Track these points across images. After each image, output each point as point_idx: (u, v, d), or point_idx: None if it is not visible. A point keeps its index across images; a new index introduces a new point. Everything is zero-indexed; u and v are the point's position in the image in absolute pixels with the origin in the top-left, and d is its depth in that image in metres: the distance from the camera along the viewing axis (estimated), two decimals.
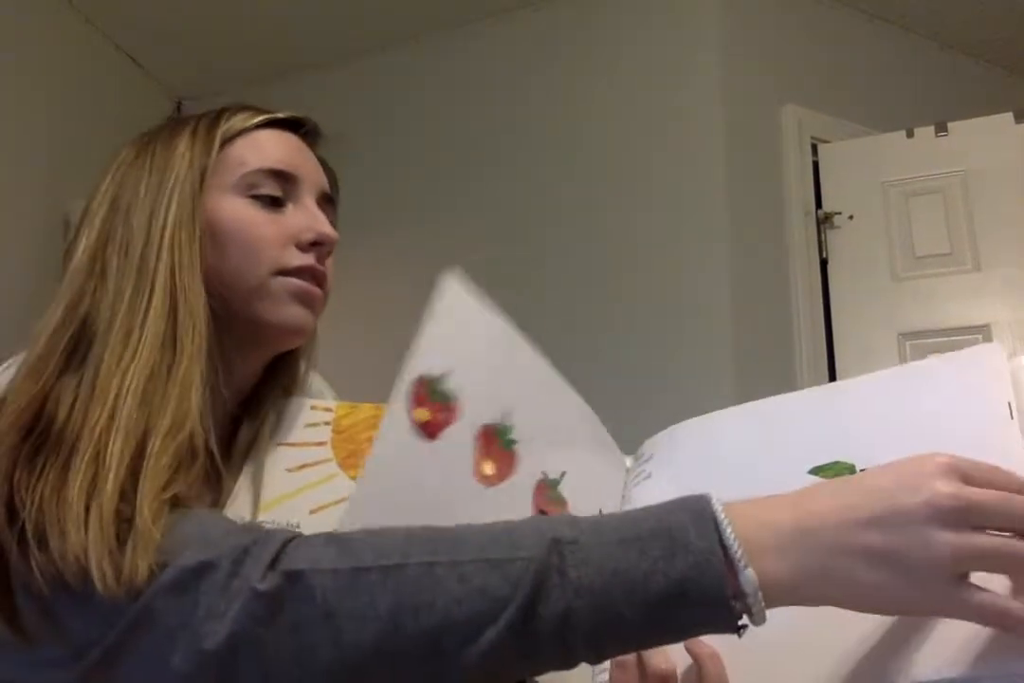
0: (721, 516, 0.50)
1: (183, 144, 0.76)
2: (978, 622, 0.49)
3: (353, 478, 0.72)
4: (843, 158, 2.37)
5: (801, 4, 2.52)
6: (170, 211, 0.73)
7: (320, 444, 0.76)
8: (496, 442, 0.68)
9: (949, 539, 0.47)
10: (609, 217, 2.32)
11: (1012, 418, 0.60)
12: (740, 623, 0.49)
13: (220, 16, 2.65)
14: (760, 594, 0.48)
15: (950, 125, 2.27)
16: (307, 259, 0.75)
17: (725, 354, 2.09)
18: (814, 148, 2.39)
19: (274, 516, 0.69)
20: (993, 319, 2.09)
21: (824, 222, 2.32)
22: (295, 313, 0.75)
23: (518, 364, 0.73)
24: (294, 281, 0.75)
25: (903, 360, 2.15)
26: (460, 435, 0.66)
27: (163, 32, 2.69)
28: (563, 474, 0.71)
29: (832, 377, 2.18)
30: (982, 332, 2.09)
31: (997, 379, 0.63)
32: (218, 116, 0.78)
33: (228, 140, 0.77)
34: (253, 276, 0.74)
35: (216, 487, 0.72)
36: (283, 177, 0.77)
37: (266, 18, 2.66)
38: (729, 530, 0.49)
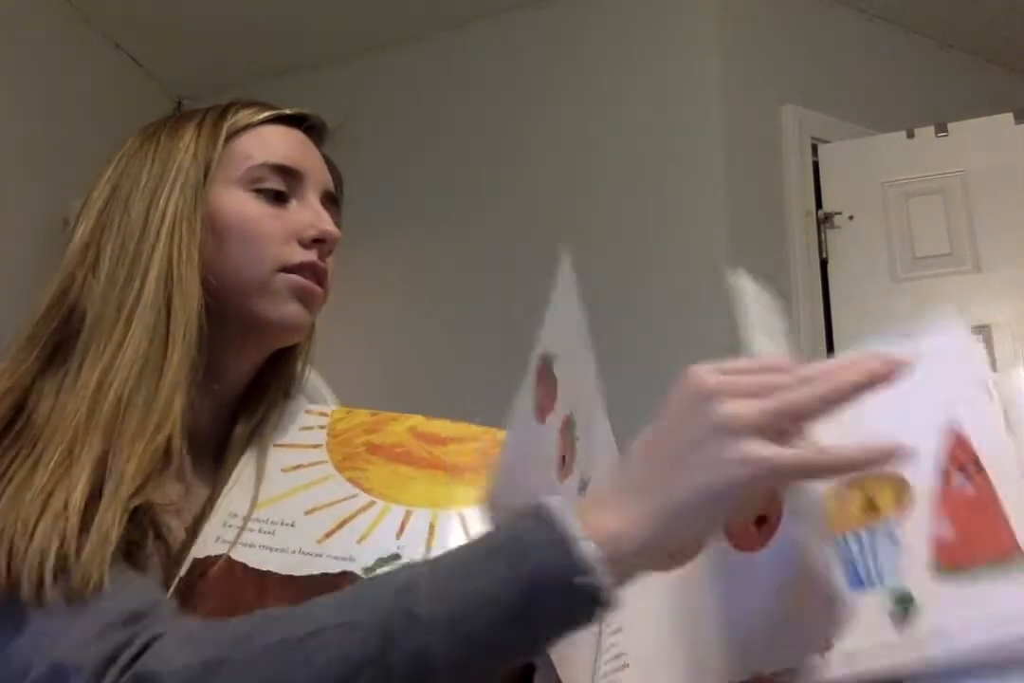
0: (555, 507, 0.49)
1: (188, 135, 0.75)
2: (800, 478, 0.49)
3: (350, 480, 0.72)
4: (843, 158, 2.37)
5: (801, 4, 2.52)
6: (170, 201, 0.71)
7: (315, 447, 0.75)
8: (567, 436, 0.64)
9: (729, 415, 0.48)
10: (608, 217, 2.32)
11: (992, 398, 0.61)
12: (600, 603, 0.47)
13: (220, 16, 2.65)
14: (606, 567, 0.47)
15: (950, 125, 2.27)
16: (309, 256, 0.74)
17: (725, 355, 2.09)
18: (814, 148, 2.38)
19: (268, 515, 0.69)
20: (993, 320, 2.09)
21: (824, 222, 2.32)
22: (294, 311, 0.74)
23: (584, 361, 0.71)
24: (296, 278, 0.74)
25: None
26: (554, 423, 0.61)
27: (163, 32, 2.69)
28: (590, 479, 0.70)
29: None
30: (982, 333, 2.09)
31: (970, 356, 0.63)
32: (225, 110, 0.77)
33: (234, 134, 0.76)
34: (255, 272, 0.73)
35: (211, 481, 0.72)
36: (288, 173, 0.76)
37: (266, 18, 2.66)
38: (562, 516, 0.48)
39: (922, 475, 0.59)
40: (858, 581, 0.58)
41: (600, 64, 2.47)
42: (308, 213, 0.75)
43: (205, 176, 0.73)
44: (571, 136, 2.44)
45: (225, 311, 0.72)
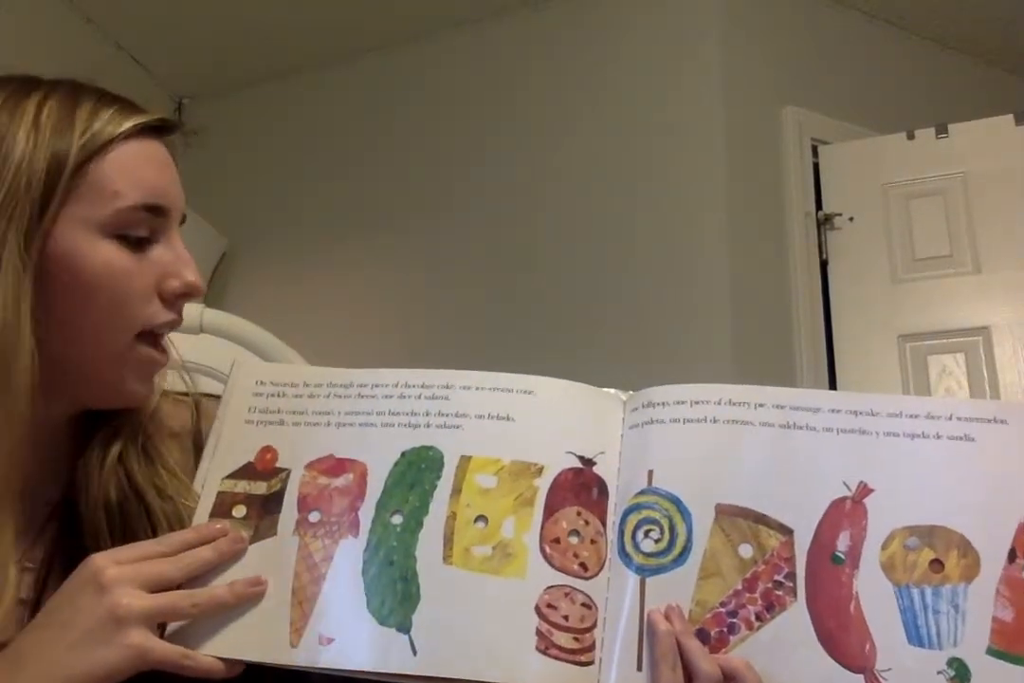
0: None
1: (22, 140, 0.60)
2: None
3: None
4: (843, 160, 2.37)
5: (802, 5, 2.52)
6: None
7: None
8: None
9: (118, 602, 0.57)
10: (609, 218, 2.31)
11: None
12: None
13: (220, 16, 2.65)
14: None
15: (951, 127, 2.26)
16: (171, 316, 0.66)
17: (725, 356, 2.08)
18: (814, 149, 2.38)
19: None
20: (993, 321, 2.09)
21: (824, 224, 2.32)
22: (144, 390, 0.68)
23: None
24: (153, 354, 0.66)
25: (902, 362, 2.14)
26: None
27: (164, 31, 2.69)
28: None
29: (832, 379, 2.17)
30: (982, 334, 2.09)
31: None
32: (74, 105, 0.63)
33: (93, 153, 0.62)
34: (116, 339, 0.64)
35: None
36: (156, 211, 0.64)
37: (266, 18, 2.66)
38: None
39: (992, 552, 0.61)
40: (916, 637, 0.60)
41: (600, 65, 2.47)
42: (171, 258, 0.66)
43: (44, 209, 0.59)
44: (571, 136, 2.44)
45: (60, 374, 0.64)
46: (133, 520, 0.66)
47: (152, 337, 0.66)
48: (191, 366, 1.02)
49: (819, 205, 2.34)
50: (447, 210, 2.53)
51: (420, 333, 2.42)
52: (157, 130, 0.67)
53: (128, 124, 0.64)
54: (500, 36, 2.65)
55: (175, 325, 0.67)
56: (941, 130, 2.27)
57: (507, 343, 2.29)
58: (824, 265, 2.29)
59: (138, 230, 0.63)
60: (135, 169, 0.63)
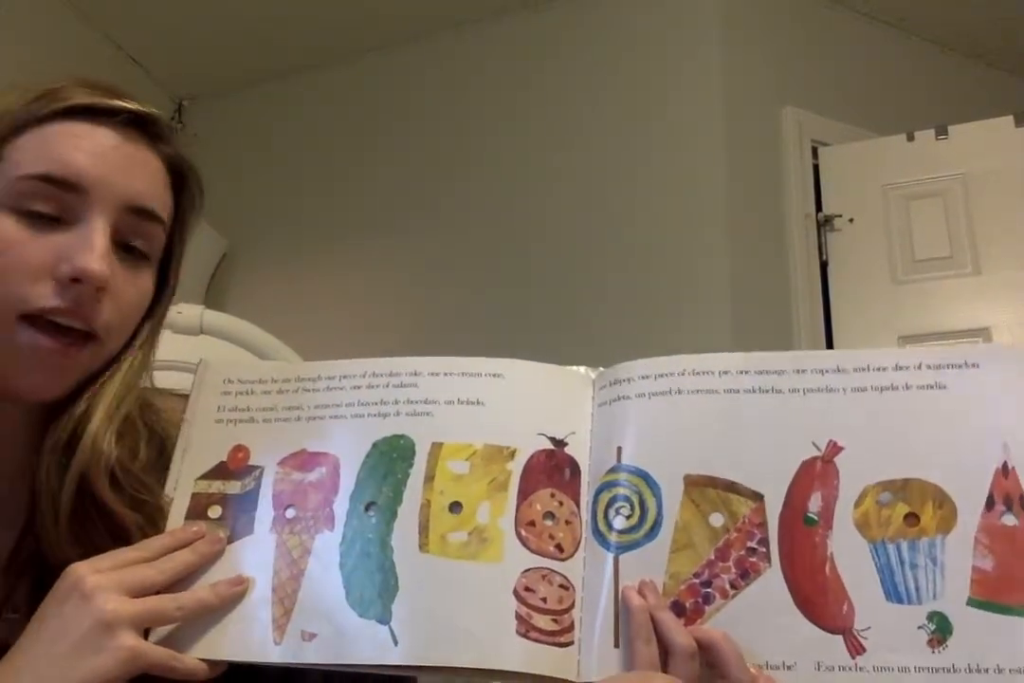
0: None
1: None
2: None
3: None
4: (843, 161, 2.37)
5: (802, 6, 2.52)
6: None
7: None
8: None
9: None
10: (608, 219, 2.31)
11: None
12: None
13: (221, 16, 2.65)
14: None
15: (950, 128, 2.27)
16: (56, 301, 0.60)
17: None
18: (814, 151, 2.38)
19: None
20: (993, 322, 2.09)
21: (824, 225, 2.32)
22: (37, 382, 0.62)
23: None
24: (36, 338, 0.60)
25: None
26: None
27: (164, 32, 2.69)
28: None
29: None
30: (982, 335, 2.08)
31: None
32: (38, 97, 0.63)
33: (17, 130, 0.61)
34: None
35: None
36: (65, 187, 0.60)
37: (266, 18, 2.66)
38: None
39: (969, 501, 0.60)
40: (894, 593, 0.59)
41: (600, 66, 2.47)
42: (74, 242, 0.60)
43: None
44: (571, 137, 2.44)
45: None
46: (97, 534, 0.65)
47: (42, 323, 0.61)
48: (190, 367, 1.02)
49: (819, 206, 2.34)
50: (447, 210, 2.53)
51: (420, 333, 2.42)
52: (123, 120, 0.65)
53: (63, 104, 0.62)
54: (500, 36, 2.65)
55: (70, 314, 0.61)
56: (941, 131, 2.27)
57: (506, 343, 2.28)
58: (824, 266, 2.29)
59: (36, 203, 0.60)
60: (53, 145, 0.61)
